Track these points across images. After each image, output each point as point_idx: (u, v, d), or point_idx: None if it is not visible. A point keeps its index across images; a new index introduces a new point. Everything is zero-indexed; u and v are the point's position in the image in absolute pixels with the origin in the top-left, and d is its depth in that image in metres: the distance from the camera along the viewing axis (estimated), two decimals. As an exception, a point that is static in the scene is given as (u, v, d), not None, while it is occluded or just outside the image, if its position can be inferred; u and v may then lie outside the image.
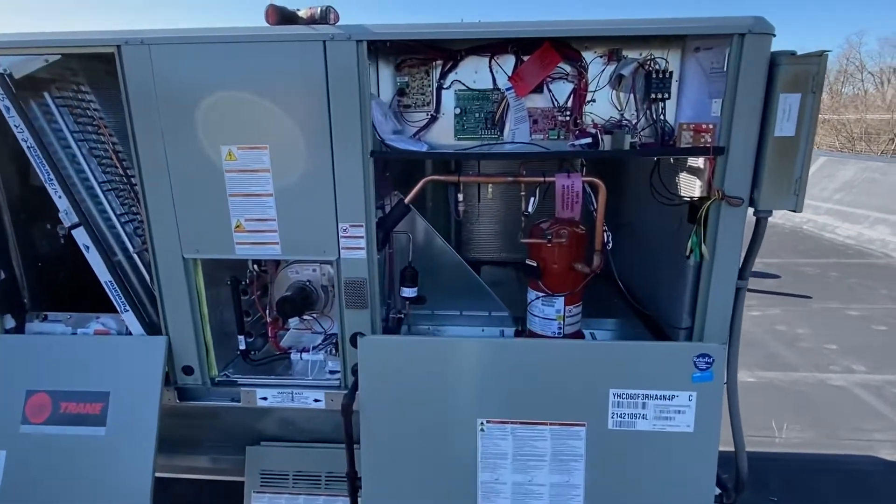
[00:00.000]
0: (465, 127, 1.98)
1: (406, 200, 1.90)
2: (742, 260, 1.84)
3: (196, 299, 2.02)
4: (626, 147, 1.73)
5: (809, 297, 6.35)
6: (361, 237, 1.86)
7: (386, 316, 2.15)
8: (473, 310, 2.47)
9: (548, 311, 2.09)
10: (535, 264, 2.04)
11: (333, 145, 1.78)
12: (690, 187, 2.05)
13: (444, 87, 1.93)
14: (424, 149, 1.89)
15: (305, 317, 2.14)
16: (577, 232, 2.00)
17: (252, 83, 1.74)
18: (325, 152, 1.79)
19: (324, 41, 1.69)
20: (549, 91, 1.85)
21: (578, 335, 2.18)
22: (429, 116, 1.97)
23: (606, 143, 1.76)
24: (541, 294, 2.08)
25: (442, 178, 1.86)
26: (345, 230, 1.86)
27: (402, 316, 2.23)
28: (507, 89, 1.82)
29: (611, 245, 1.91)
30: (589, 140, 1.79)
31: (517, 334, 2.32)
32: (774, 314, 5.70)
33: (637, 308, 2.34)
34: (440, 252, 2.42)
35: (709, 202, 1.73)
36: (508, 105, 1.84)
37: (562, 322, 2.09)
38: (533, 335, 2.16)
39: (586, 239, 2.03)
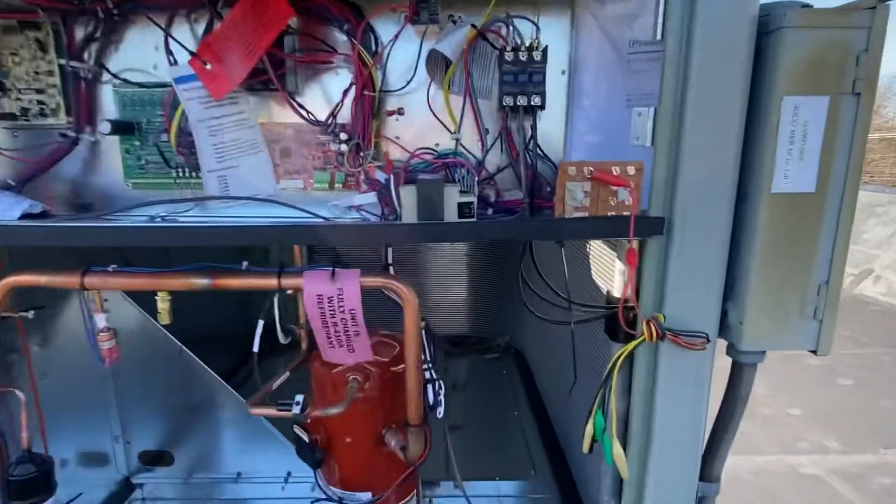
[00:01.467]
0: (143, 162, 0.94)
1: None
2: (704, 446, 0.89)
3: None
4: (449, 216, 0.74)
5: (763, 341, 5.67)
6: None
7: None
8: (262, 470, 1.46)
9: (345, 519, 1.05)
10: (309, 439, 1.01)
11: None
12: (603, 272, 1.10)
13: (83, 76, 0.90)
14: (18, 214, 0.83)
15: None
16: (389, 372, 0.98)
17: None
18: None
19: None
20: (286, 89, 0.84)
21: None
22: (61, 138, 0.92)
23: (407, 202, 0.76)
24: (329, 491, 1.04)
25: (41, 278, 0.81)
26: None
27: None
28: (181, 81, 0.80)
29: (442, 410, 0.90)
30: (372, 199, 0.79)
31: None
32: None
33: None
34: (199, 378, 1.36)
35: (626, 348, 0.76)
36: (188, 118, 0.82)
37: (373, 540, 1.06)
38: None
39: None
